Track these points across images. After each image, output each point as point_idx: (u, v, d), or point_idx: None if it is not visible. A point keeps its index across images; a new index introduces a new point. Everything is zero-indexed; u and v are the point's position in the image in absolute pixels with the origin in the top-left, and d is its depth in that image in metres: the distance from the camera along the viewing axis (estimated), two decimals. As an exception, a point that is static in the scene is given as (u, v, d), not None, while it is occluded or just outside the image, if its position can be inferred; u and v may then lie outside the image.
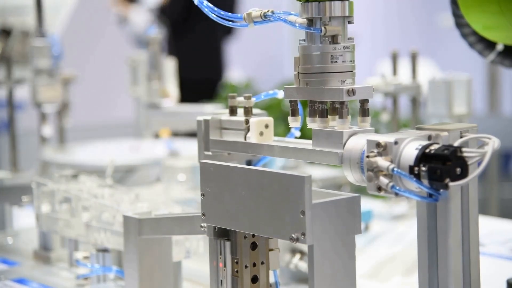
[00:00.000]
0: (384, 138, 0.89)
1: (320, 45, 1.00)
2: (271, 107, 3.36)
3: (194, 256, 1.25)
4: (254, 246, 1.01)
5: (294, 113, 1.05)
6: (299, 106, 1.11)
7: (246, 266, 1.00)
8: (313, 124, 1.02)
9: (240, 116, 1.08)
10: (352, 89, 0.99)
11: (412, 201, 1.72)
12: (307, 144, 1.01)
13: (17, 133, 1.83)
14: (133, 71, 2.39)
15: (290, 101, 1.05)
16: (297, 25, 1.01)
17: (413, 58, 1.73)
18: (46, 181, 1.43)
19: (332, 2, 0.99)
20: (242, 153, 1.08)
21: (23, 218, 1.78)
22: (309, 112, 1.03)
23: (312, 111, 1.02)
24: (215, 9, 1.04)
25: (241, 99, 1.08)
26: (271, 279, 1.03)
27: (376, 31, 7.13)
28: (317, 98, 1.01)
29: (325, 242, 0.91)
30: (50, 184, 1.42)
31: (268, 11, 1.03)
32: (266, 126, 1.05)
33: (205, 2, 1.05)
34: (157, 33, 2.22)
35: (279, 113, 3.37)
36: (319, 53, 1.00)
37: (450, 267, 0.93)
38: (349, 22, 1.02)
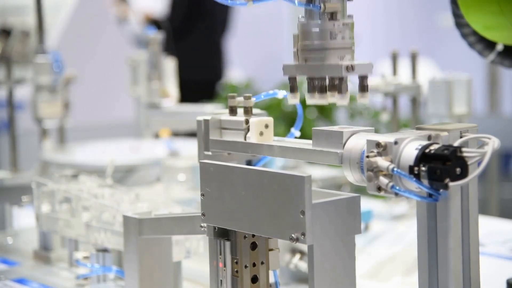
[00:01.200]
0: (384, 138, 0.89)
1: (319, 22, 1.00)
2: (271, 107, 3.36)
3: (194, 256, 1.25)
4: (254, 246, 1.01)
5: (293, 89, 1.05)
6: (299, 107, 1.11)
7: (246, 266, 1.00)
8: (312, 100, 1.02)
9: (240, 116, 1.08)
10: (352, 65, 0.99)
11: (412, 201, 1.72)
12: (307, 144, 1.01)
13: (17, 133, 1.84)
14: (133, 71, 2.39)
15: (289, 78, 1.05)
16: (296, 1, 1.01)
17: (413, 58, 1.73)
18: (46, 181, 1.43)
19: None
20: (242, 153, 1.08)
21: (23, 218, 1.78)
22: (308, 88, 1.03)
23: (311, 88, 1.02)
24: None
25: (241, 99, 1.08)
26: (271, 279, 1.03)
27: (376, 31, 7.13)
28: (316, 75, 1.02)
29: (325, 242, 0.91)
30: (50, 184, 1.42)
31: None
32: (266, 126, 1.05)
33: None
34: (156, 33, 2.22)
35: (279, 113, 3.37)
36: (318, 30, 1.00)
37: (450, 267, 0.93)
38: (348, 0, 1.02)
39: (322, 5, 1.00)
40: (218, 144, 1.09)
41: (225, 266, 1.00)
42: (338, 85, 1.01)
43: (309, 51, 1.02)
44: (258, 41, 6.47)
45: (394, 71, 1.75)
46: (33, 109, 1.89)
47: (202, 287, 1.33)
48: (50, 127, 1.82)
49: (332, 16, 1.00)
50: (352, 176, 0.94)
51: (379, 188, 0.89)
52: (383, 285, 1.33)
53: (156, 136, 2.35)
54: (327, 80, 1.02)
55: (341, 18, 1.01)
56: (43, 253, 1.49)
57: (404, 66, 1.78)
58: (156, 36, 2.20)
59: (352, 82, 1.04)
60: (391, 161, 0.88)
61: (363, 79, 1.02)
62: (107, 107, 5.08)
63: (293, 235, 0.90)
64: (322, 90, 1.02)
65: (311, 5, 1.00)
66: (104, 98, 5.12)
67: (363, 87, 1.02)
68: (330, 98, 1.01)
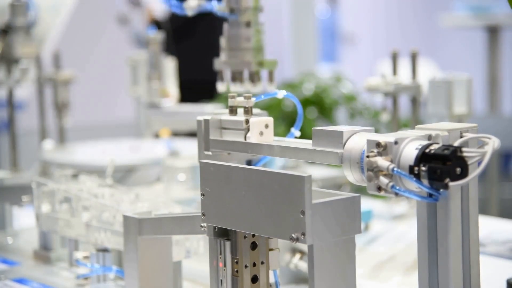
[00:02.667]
0: (384, 138, 0.89)
1: (239, 29, 1.41)
2: (271, 107, 3.36)
3: (194, 256, 1.25)
4: (254, 246, 1.01)
5: (221, 79, 1.46)
6: (299, 107, 1.11)
7: (246, 266, 1.00)
8: (235, 87, 1.43)
9: (240, 116, 1.08)
10: (261, 61, 1.42)
11: (412, 201, 1.72)
12: (307, 144, 1.01)
13: (17, 133, 1.83)
14: (133, 71, 2.39)
15: (218, 71, 1.45)
16: (218, 11, 1.42)
17: (413, 58, 1.73)
18: (46, 181, 1.43)
19: None
20: (242, 153, 1.08)
21: (23, 218, 1.78)
22: (232, 78, 1.44)
23: (233, 78, 1.43)
24: None
25: (241, 99, 1.08)
26: (271, 279, 1.03)
27: (376, 31, 7.13)
28: (237, 68, 1.42)
29: (326, 242, 0.91)
30: (50, 184, 1.42)
31: None
32: (266, 126, 1.05)
33: None
34: (156, 33, 2.22)
35: (279, 113, 3.37)
36: (237, 34, 1.41)
37: (450, 267, 0.93)
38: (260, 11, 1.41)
39: (239, 16, 1.41)
40: (218, 144, 1.09)
41: (225, 266, 1.00)
42: (251, 77, 1.41)
43: (232, 50, 1.43)
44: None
45: (394, 71, 1.75)
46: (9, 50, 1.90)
47: (202, 287, 1.33)
48: (26, 67, 1.83)
49: (247, 24, 1.41)
50: (352, 176, 0.94)
51: (379, 188, 0.89)
52: (383, 285, 1.33)
53: (156, 136, 2.35)
54: (245, 73, 1.42)
55: (254, 26, 1.42)
56: (43, 253, 1.49)
57: (404, 66, 1.78)
58: (156, 36, 2.20)
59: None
60: (391, 161, 0.88)
61: (270, 73, 1.43)
62: (107, 107, 5.08)
63: (293, 235, 0.90)
64: (242, 80, 1.42)
65: (232, 16, 1.41)
66: (104, 98, 5.12)
67: (270, 78, 1.44)
68: (247, 85, 1.40)
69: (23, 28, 1.79)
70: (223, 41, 1.42)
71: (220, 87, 1.47)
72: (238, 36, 1.41)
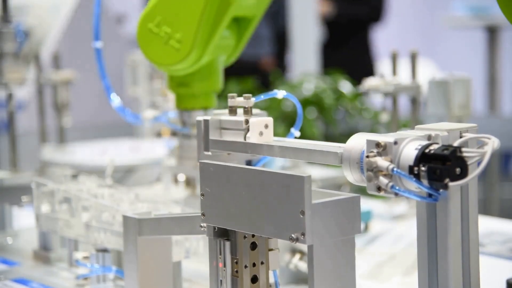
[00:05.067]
0: (384, 138, 0.89)
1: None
2: (271, 107, 3.36)
3: (194, 256, 1.25)
4: (254, 246, 1.01)
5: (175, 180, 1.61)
6: (299, 107, 1.11)
7: (246, 266, 1.00)
8: (187, 191, 1.57)
9: (240, 116, 1.08)
10: None
11: (412, 201, 1.72)
12: (307, 144, 1.01)
13: (17, 133, 1.83)
14: (133, 71, 2.39)
15: None
16: None
17: (413, 58, 1.73)
18: (46, 181, 1.43)
19: None
20: (242, 153, 1.08)
21: (23, 218, 1.78)
22: (186, 183, 1.58)
23: (185, 183, 1.60)
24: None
25: (241, 99, 1.08)
26: (271, 279, 1.03)
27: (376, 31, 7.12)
28: None
29: (325, 242, 0.91)
30: (50, 184, 1.42)
31: None
32: (266, 126, 1.05)
33: None
34: None
35: (279, 113, 3.37)
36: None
37: (450, 267, 0.93)
38: None
39: (192, 129, 1.53)
40: (218, 144, 1.09)
41: (225, 266, 1.00)
42: None
43: (182, 159, 1.55)
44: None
45: (394, 71, 1.75)
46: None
47: (202, 287, 1.33)
48: (14, 92, 1.84)
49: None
50: (352, 176, 0.94)
51: (379, 188, 0.89)
52: (383, 285, 1.33)
53: (158, 135, 2.35)
54: None
55: None
56: (43, 253, 1.49)
57: (404, 66, 1.78)
58: None
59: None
60: (391, 161, 0.88)
61: None
62: (107, 107, 5.08)
63: (293, 235, 0.90)
64: (193, 185, 1.58)
65: (185, 128, 1.52)
66: (104, 98, 5.11)
67: None
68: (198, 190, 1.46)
69: (11, 54, 1.80)
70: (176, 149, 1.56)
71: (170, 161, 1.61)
72: (189, 147, 1.52)
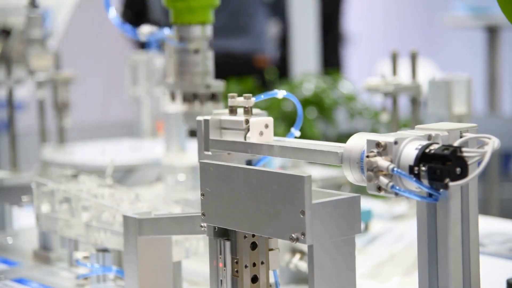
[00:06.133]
0: (384, 138, 0.89)
1: (188, 55, 1.55)
2: (271, 107, 3.36)
3: (194, 256, 1.25)
4: (254, 246, 1.01)
5: (173, 98, 1.57)
6: (299, 107, 1.11)
7: (246, 266, 1.00)
8: (184, 107, 1.54)
9: (240, 116, 1.08)
10: (208, 84, 1.54)
11: (412, 201, 1.72)
12: (307, 144, 1.01)
13: (17, 133, 1.83)
14: (133, 71, 2.39)
15: (170, 92, 1.57)
16: (173, 42, 1.55)
17: (413, 58, 1.73)
18: (46, 181, 1.43)
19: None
20: (242, 153, 1.08)
21: (23, 218, 1.78)
22: (183, 99, 1.55)
23: (183, 99, 1.55)
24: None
25: (241, 99, 1.08)
26: (271, 279, 1.03)
27: (375, 31, 7.13)
28: (186, 90, 1.55)
29: (325, 242, 0.91)
30: (50, 184, 1.42)
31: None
32: (266, 126, 1.05)
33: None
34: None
35: (279, 113, 3.37)
36: (187, 60, 1.55)
37: (450, 267, 0.93)
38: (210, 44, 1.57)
39: (189, 44, 1.54)
40: (218, 144, 1.09)
41: (225, 266, 1.00)
42: (200, 97, 1.54)
43: (182, 74, 1.55)
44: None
45: (394, 71, 1.75)
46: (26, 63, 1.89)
47: (202, 287, 1.33)
48: (41, 79, 1.81)
49: (196, 51, 1.54)
50: (352, 176, 0.94)
51: (379, 188, 0.89)
52: (383, 285, 1.33)
53: (155, 130, 2.35)
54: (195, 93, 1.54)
55: (202, 53, 1.54)
56: (43, 253, 1.49)
57: (404, 66, 1.78)
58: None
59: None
60: (391, 161, 0.88)
61: (215, 94, 1.55)
62: (107, 107, 5.08)
63: (293, 235, 0.90)
64: (191, 100, 1.54)
65: (182, 43, 1.54)
66: (104, 98, 5.12)
67: (216, 98, 1.55)
68: (196, 106, 1.53)
69: (39, 41, 1.78)
70: (173, 65, 1.57)
71: (172, 107, 1.65)
72: (187, 62, 1.55)
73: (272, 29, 4.45)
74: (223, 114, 1.10)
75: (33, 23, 1.77)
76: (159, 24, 1.71)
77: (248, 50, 4.29)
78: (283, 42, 4.62)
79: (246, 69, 4.16)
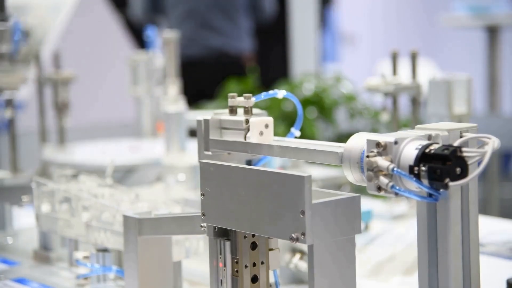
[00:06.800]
0: (384, 138, 0.89)
1: None
2: (271, 107, 3.36)
3: (194, 256, 1.25)
4: (254, 246, 1.01)
5: None
6: (299, 107, 1.11)
7: (246, 266, 1.00)
8: None
9: (240, 116, 1.08)
10: None
11: (412, 201, 1.72)
12: (307, 144, 1.01)
13: (17, 133, 1.83)
14: (133, 71, 2.39)
15: None
16: None
17: (413, 58, 1.73)
18: (46, 181, 1.43)
19: None
20: (242, 153, 1.08)
21: (23, 218, 1.78)
22: None
23: None
24: None
25: (241, 99, 1.08)
26: (271, 279, 1.03)
27: (375, 31, 7.13)
28: None
29: (325, 242, 0.91)
30: (50, 184, 1.42)
31: None
32: (266, 126, 1.05)
33: None
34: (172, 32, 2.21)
35: (279, 113, 3.37)
36: None
37: (450, 267, 0.93)
38: None
39: None
40: (218, 144, 1.09)
41: (225, 266, 1.00)
42: None
43: None
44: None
45: (394, 71, 1.75)
46: None
47: (202, 287, 1.33)
48: (9, 98, 1.73)
49: None
50: (352, 176, 0.94)
51: (379, 188, 0.89)
52: (383, 285, 1.33)
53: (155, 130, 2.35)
54: None
55: None
56: (43, 253, 1.49)
57: (404, 66, 1.78)
58: (172, 35, 2.19)
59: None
60: (391, 161, 0.88)
61: None
62: (107, 107, 5.08)
63: (293, 235, 0.90)
64: None
65: None
66: (104, 98, 5.12)
67: None
68: None
69: (7, 56, 1.67)
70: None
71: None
72: None
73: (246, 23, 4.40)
74: (223, 114, 1.10)
75: (1, 37, 1.65)
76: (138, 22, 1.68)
77: (238, 48, 4.29)
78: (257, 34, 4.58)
79: (234, 67, 4.17)
